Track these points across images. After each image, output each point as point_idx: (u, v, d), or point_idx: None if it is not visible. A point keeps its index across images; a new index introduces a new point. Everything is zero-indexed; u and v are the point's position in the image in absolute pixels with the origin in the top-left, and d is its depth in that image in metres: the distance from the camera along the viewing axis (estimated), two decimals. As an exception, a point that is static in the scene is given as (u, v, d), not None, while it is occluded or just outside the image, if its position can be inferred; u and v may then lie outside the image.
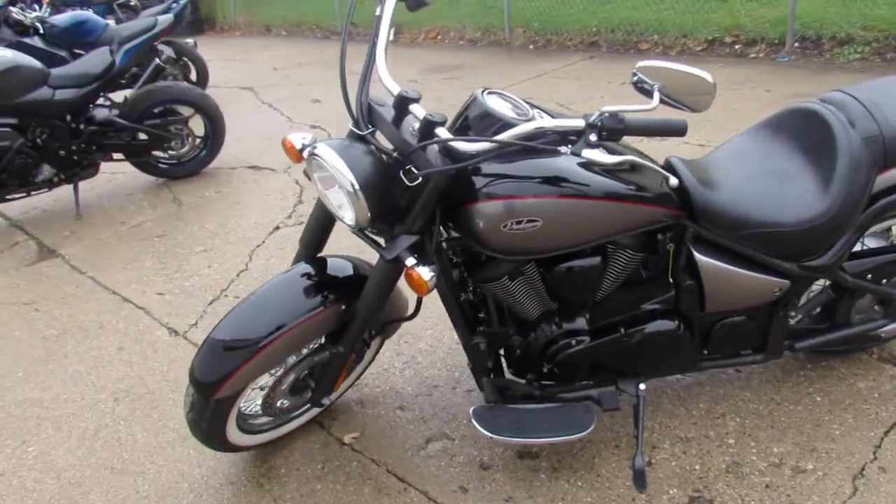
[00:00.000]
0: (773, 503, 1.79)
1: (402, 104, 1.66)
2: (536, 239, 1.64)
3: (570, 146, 1.53)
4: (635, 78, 1.52)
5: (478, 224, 1.63)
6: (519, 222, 1.61)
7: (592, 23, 7.07)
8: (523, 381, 1.97)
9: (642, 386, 1.90)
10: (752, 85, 5.13)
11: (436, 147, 1.62)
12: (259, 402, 2.01)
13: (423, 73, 6.70)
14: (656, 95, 1.44)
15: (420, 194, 1.63)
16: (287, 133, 1.86)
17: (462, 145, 1.57)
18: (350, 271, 1.91)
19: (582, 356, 1.88)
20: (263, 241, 3.59)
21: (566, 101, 5.24)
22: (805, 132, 1.83)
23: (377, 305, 1.80)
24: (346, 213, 1.64)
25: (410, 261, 1.63)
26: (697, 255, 1.81)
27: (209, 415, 1.85)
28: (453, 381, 2.38)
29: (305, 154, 1.71)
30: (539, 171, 1.63)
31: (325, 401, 2.11)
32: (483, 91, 1.71)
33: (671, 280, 1.87)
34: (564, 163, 1.64)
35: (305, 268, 1.88)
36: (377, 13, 1.78)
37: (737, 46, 5.99)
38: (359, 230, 1.71)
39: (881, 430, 1.96)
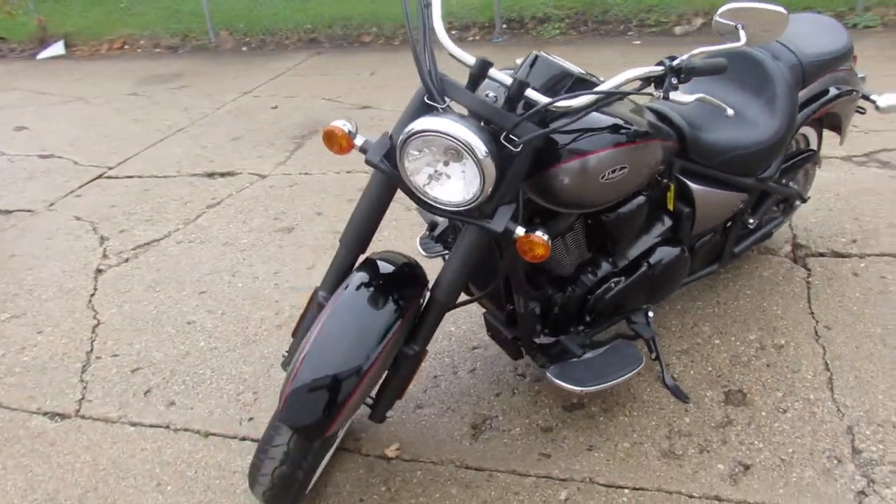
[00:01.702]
0: (779, 376, 2.15)
1: (483, 69, 1.59)
2: (623, 186, 1.73)
3: (659, 90, 1.63)
4: (717, 22, 1.68)
5: (573, 181, 1.65)
6: (613, 171, 1.68)
7: (305, 20, 7.04)
8: (569, 336, 2.02)
9: (650, 314, 2.11)
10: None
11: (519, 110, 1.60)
12: None
13: (142, 86, 6.00)
14: (742, 33, 1.63)
15: (514, 161, 1.59)
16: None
17: (565, 103, 1.57)
18: (401, 265, 1.76)
19: (616, 298, 2.01)
20: (97, 289, 2.97)
21: (333, 95, 5.20)
22: (742, 71, 2.19)
23: (461, 287, 1.71)
24: (469, 188, 1.52)
25: (520, 229, 1.59)
26: (692, 185, 2.06)
27: (312, 459, 1.58)
28: (450, 367, 2.33)
29: (406, 137, 1.52)
30: (603, 123, 1.71)
31: (390, 413, 1.91)
32: (538, 53, 1.71)
33: (671, 211, 2.10)
34: (619, 110, 1.74)
35: (363, 276, 1.68)
36: None
37: (453, 32, 6.53)
38: (458, 213, 1.59)
39: (804, 301, 2.46)
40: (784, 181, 2.38)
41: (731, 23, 1.62)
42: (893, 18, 5.48)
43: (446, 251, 2.20)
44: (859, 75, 2.46)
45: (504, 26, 6.51)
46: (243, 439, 2.11)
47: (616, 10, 6.31)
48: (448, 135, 1.47)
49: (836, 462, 1.84)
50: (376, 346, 1.55)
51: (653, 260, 2.05)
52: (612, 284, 1.98)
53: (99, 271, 3.11)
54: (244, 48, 7.05)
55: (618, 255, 2.03)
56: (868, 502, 1.73)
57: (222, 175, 3.99)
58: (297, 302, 2.72)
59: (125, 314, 2.77)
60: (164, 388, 2.36)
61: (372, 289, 1.65)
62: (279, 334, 2.56)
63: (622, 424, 2.03)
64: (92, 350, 2.58)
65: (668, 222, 2.11)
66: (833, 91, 2.32)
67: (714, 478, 1.83)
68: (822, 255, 2.68)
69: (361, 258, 1.79)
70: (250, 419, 2.19)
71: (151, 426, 2.20)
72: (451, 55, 1.63)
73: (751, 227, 2.33)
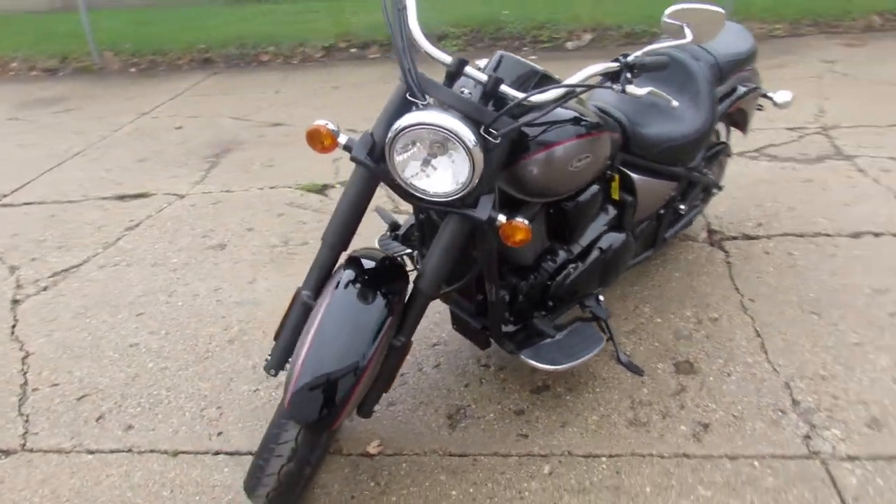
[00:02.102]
0: (719, 345, 2.36)
1: (460, 67, 1.68)
2: (585, 175, 1.86)
3: (616, 84, 1.78)
4: (665, 22, 1.84)
5: (544, 170, 1.77)
6: (579, 160, 1.81)
7: (198, 40, 6.87)
8: (539, 321, 2.13)
9: (601, 297, 2.27)
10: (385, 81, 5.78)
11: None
12: None
13: (22, 110, 5.65)
14: (688, 31, 1.80)
15: (492, 153, 1.68)
16: None
17: (538, 97, 1.68)
18: (383, 261, 1.81)
19: (574, 283, 2.14)
20: (17, 320, 2.80)
21: (240, 114, 5.11)
22: (668, 71, 2.40)
23: (444, 277, 1.78)
24: (458, 178, 1.59)
25: (502, 216, 1.68)
26: (633, 175, 2.24)
27: (319, 453, 1.59)
28: (414, 365, 2.37)
29: (397, 130, 1.58)
30: (566, 116, 1.85)
31: (377, 407, 1.93)
32: (503, 53, 1.82)
33: (616, 200, 2.27)
34: (576, 106, 1.88)
35: (350, 274, 1.72)
36: None
37: (352, 50, 6.59)
38: (444, 203, 1.66)
39: (727, 279, 2.71)
40: (705, 171, 2.62)
41: (677, 22, 1.80)
42: (765, 30, 6.05)
43: (408, 250, 2.26)
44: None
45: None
46: (217, 453, 2.07)
47: (510, 28, 6.60)
48: (440, 126, 1.54)
49: (780, 413, 2.05)
50: (373, 340, 1.60)
51: (604, 246, 2.20)
52: (571, 270, 2.11)
53: (15, 302, 2.92)
54: (133, 69, 6.77)
55: (573, 243, 2.16)
56: (813, 444, 1.94)
57: (135, 197, 3.84)
58: (245, 317, 2.69)
59: (57, 342, 2.62)
60: (118, 412, 2.26)
61: (360, 285, 1.69)
62: (232, 349, 2.52)
63: (588, 400, 2.16)
64: (26, 382, 2.43)
65: (612, 211, 2.27)
66: (741, 89, 2.59)
67: (679, 438, 1.99)
68: (734, 238, 2.96)
69: (343, 256, 1.82)
70: (220, 433, 2.14)
71: (112, 451, 2.10)
72: (428, 54, 1.70)
73: (682, 213, 2.54)
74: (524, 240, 1.68)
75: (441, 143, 1.58)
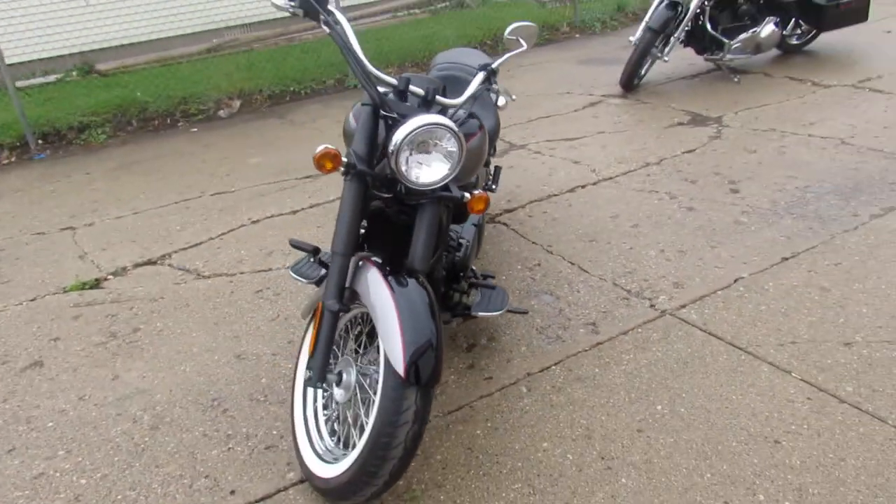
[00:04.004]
0: (547, 278, 3.14)
1: (407, 83, 2.10)
2: (481, 159, 2.43)
3: (494, 85, 2.39)
4: (507, 38, 2.47)
5: (472, 155, 2.29)
6: (482, 148, 2.38)
7: None
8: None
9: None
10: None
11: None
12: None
13: None
14: (522, 42, 2.48)
15: None
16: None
17: (460, 100, 2.19)
18: (382, 258, 2.12)
19: (469, 256, 2.69)
20: None
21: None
22: (459, 83, 3.08)
23: (431, 255, 2.15)
24: (448, 165, 2.00)
25: (467, 194, 2.16)
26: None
27: (429, 409, 1.86)
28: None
29: (406, 133, 1.91)
30: (472, 116, 2.40)
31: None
32: (408, 75, 2.28)
33: None
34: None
35: (378, 271, 1.99)
36: (326, 29, 2.05)
37: (-20, 160, 5.81)
38: (431, 190, 2.06)
39: (522, 239, 3.51)
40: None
41: (514, 37, 2.51)
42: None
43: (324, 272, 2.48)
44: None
45: (40, 141, 6.08)
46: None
47: (154, 107, 6.56)
48: (440, 124, 1.96)
49: (626, 300, 2.90)
50: (434, 311, 1.93)
51: (477, 222, 2.78)
52: (467, 244, 2.65)
53: None
54: None
55: (463, 223, 2.70)
56: (657, 307, 2.82)
57: None
58: (145, 404, 2.54)
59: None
60: (97, 530, 2.02)
61: (392, 276, 1.98)
62: (163, 431, 2.39)
63: (509, 340, 2.71)
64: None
65: None
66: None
67: (586, 336, 2.68)
68: (501, 214, 3.80)
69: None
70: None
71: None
72: (377, 77, 2.07)
73: (494, 191, 3.26)
74: (485, 208, 2.18)
75: (434, 139, 1.99)
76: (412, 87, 2.11)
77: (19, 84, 6.52)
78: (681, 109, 5.18)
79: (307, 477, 2.05)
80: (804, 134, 4.41)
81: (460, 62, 3.14)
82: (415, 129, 1.94)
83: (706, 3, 5.43)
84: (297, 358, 2.26)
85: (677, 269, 3.07)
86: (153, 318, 3.12)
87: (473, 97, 2.25)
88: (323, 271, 2.47)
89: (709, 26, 5.51)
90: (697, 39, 5.64)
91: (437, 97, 2.12)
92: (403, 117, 2.01)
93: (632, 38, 5.59)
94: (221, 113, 6.64)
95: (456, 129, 1.98)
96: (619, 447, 2.13)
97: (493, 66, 2.37)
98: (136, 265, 3.65)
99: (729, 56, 5.60)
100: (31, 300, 3.39)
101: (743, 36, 5.58)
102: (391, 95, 2.10)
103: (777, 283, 2.88)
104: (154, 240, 3.92)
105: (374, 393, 1.95)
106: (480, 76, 2.32)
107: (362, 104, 2.11)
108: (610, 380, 2.42)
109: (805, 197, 3.58)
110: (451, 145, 2.00)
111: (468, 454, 2.16)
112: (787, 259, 3.05)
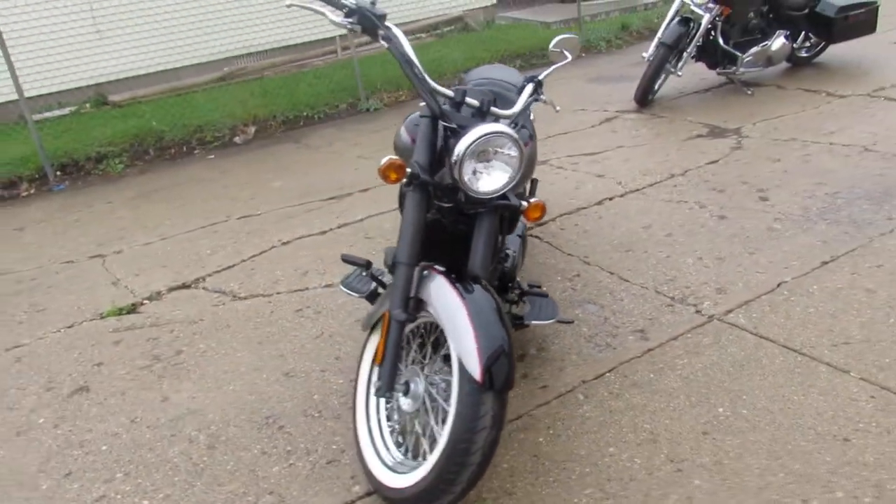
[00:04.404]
0: (600, 287, 3.14)
1: (464, 95, 2.12)
2: (532, 170, 2.45)
3: (541, 97, 2.41)
4: (552, 51, 2.51)
5: (529, 162, 2.31)
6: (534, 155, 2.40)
7: None
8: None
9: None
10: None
11: None
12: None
13: None
14: (567, 53, 2.52)
15: None
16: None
17: (512, 111, 2.22)
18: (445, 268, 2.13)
19: (515, 266, 2.70)
20: None
21: None
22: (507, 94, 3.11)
23: (491, 262, 2.16)
24: (509, 173, 2.02)
25: (524, 202, 2.18)
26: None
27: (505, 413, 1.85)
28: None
29: (470, 142, 1.93)
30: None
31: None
32: (463, 87, 2.31)
33: None
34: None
35: (445, 279, 2.00)
36: (385, 44, 2.09)
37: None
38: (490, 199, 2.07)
39: (559, 252, 3.52)
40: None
41: (558, 49, 2.54)
42: (389, 100, 7.24)
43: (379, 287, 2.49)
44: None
45: (59, 173, 6.11)
46: (324, 518, 2.04)
47: (170, 136, 6.61)
48: (502, 132, 1.98)
49: (671, 306, 2.90)
50: (503, 316, 1.94)
51: (521, 233, 2.80)
52: (514, 255, 2.66)
53: None
54: None
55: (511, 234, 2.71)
56: (704, 313, 2.82)
57: None
58: (199, 424, 2.53)
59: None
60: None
61: (459, 283, 1.99)
62: (219, 449, 2.38)
63: (558, 349, 2.71)
64: None
65: None
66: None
67: (635, 343, 2.68)
68: (536, 226, 3.81)
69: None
70: (304, 506, 2.09)
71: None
72: (434, 89, 2.09)
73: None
74: (541, 216, 2.20)
75: (495, 147, 2.01)
76: (468, 99, 2.13)
77: (35, 117, 6.56)
78: (698, 122, 5.22)
79: (377, 488, 2.04)
80: (826, 142, 4.45)
81: (492, 77, 3.18)
82: (479, 138, 1.96)
83: (717, 18, 5.50)
84: (358, 371, 2.26)
85: (718, 275, 3.08)
86: (195, 339, 3.11)
87: (525, 108, 2.27)
88: (373, 285, 2.48)
89: (721, 41, 5.57)
90: (709, 54, 5.71)
91: (492, 108, 2.15)
92: (462, 128, 2.03)
93: (645, 55, 5.66)
94: (237, 139, 6.68)
95: (517, 136, 2.00)
96: (686, 450, 2.12)
97: (540, 77, 2.40)
98: (171, 289, 3.65)
99: (742, 69, 5.66)
100: (69, 327, 3.39)
101: (754, 49, 5.65)
102: (446, 106, 2.12)
103: (821, 286, 2.88)
104: (185, 264, 3.93)
105: (444, 401, 1.94)
106: (529, 88, 2.35)
107: (421, 115, 2.13)
108: (667, 384, 2.42)
109: (836, 203, 3.61)
110: (512, 153, 2.02)
111: (534, 461, 2.14)
112: (827, 263, 3.06)
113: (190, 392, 2.73)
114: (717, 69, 5.81)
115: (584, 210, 3.94)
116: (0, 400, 2.83)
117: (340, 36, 8.74)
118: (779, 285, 2.94)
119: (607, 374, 2.52)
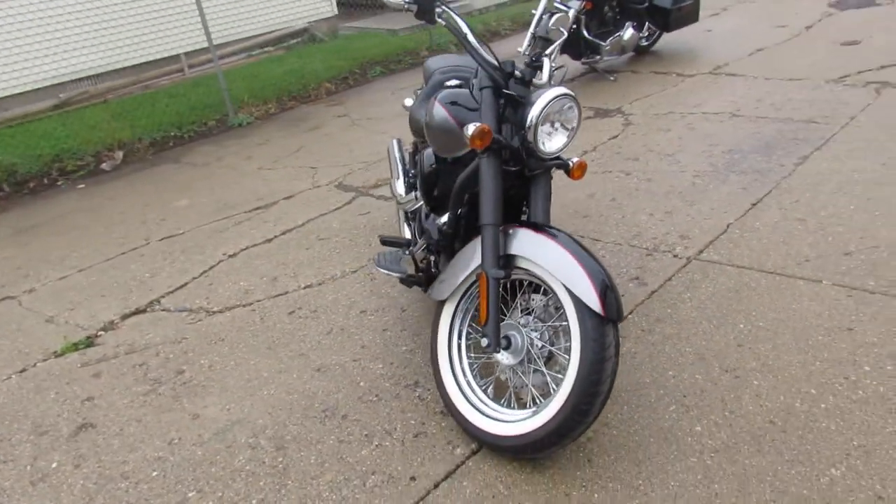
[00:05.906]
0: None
1: (513, 67, 2.27)
2: None
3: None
4: (552, 27, 2.67)
5: None
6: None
7: None
8: None
9: None
10: None
11: None
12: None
13: None
14: (563, 31, 2.71)
15: None
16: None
17: (543, 81, 2.40)
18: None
19: None
20: None
21: None
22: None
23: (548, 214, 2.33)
24: (568, 133, 2.20)
25: (574, 159, 2.37)
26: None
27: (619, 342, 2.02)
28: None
29: (543, 105, 2.08)
30: None
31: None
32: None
33: None
34: None
35: (531, 230, 2.14)
36: (442, 22, 2.18)
37: None
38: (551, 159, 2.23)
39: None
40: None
41: (556, 27, 2.74)
42: (258, 113, 7.05)
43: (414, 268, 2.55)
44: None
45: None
46: (446, 482, 2.08)
47: (24, 169, 5.97)
48: (566, 94, 2.15)
49: (654, 253, 3.24)
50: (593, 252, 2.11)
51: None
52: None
53: None
54: None
55: None
56: (678, 253, 3.18)
57: None
58: (251, 431, 2.43)
59: None
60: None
61: (544, 230, 2.13)
62: (271, 471, 2.31)
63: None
64: None
65: None
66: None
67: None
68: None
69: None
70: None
71: None
72: (493, 64, 2.22)
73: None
74: (582, 175, 2.40)
75: (561, 110, 2.17)
76: (516, 71, 2.28)
77: None
78: (583, 105, 5.71)
79: (490, 442, 2.11)
80: (699, 112, 5.10)
81: (456, 65, 3.33)
82: (550, 101, 2.11)
83: (580, 12, 6.05)
84: (435, 340, 2.30)
85: (673, 225, 3.47)
86: (191, 357, 2.94)
87: (550, 78, 2.45)
88: (411, 267, 2.53)
89: (585, 32, 6.14)
90: (573, 46, 6.25)
91: (533, 79, 2.31)
92: (521, 97, 2.18)
93: (520, 49, 6.06)
94: (104, 166, 6.19)
95: (576, 97, 2.18)
96: (733, 360, 2.42)
97: (548, 52, 2.58)
98: (125, 316, 3.38)
99: (605, 58, 6.27)
100: (20, 372, 3.03)
101: (610, 39, 6.28)
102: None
103: (762, 222, 3.36)
104: (127, 290, 3.64)
105: (552, 345, 2.08)
106: (547, 61, 2.53)
107: (481, 88, 2.24)
108: (686, 315, 2.72)
109: (734, 158, 4.18)
110: (573, 113, 2.20)
111: (612, 395, 2.33)
112: (755, 204, 3.56)
113: (220, 405, 2.58)
114: (581, 59, 6.37)
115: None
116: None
117: (186, 54, 8.35)
118: (728, 226, 3.38)
119: (630, 317, 2.76)
